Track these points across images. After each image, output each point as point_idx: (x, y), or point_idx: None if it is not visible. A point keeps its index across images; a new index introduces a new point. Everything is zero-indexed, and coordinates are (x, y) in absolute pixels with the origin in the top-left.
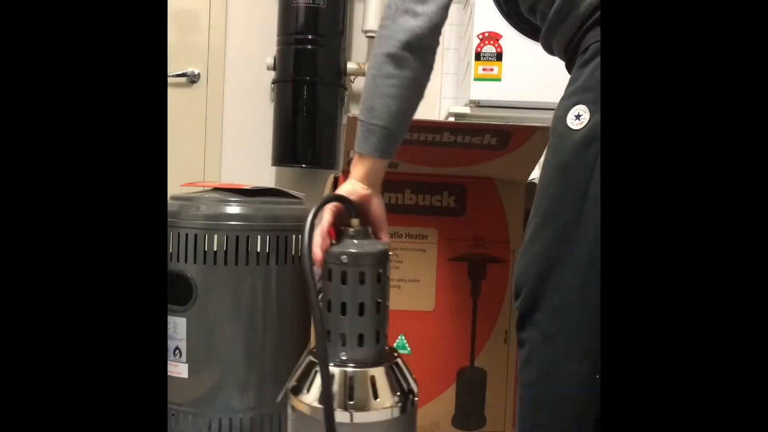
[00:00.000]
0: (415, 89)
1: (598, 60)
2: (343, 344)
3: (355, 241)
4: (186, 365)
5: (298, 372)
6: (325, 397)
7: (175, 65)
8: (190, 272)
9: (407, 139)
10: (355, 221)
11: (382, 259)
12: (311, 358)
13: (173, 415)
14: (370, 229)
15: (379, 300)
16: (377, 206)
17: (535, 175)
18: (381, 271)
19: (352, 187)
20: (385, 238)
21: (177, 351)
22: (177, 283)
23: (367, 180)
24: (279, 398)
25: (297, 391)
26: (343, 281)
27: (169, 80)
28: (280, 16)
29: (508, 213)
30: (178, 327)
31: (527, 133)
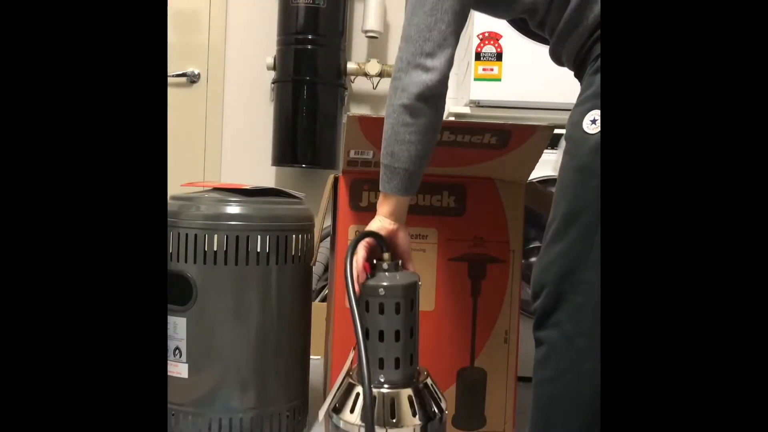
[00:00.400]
0: (431, 133)
1: None
2: (381, 368)
3: (388, 274)
4: (186, 365)
5: (339, 392)
6: (368, 416)
7: (175, 65)
8: (190, 272)
9: None
10: (386, 255)
11: (414, 289)
12: (350, 380)
13: (173, 415)
14: (400, 262)
15: (412, 326)
16: (403, 239)
17: (536, 174)
18: (413, 300)
19: (381, 223)
20: (411, 267)
21: (177, 351)
22: (177, 283)
23: (393, 216)
24: (321, 418)
25: (339, 410)
26: (381, 311)
27: (169, 80)
28: (280, 16)
29: (508, 213)
30: (178, 327)
31: (527, 132)
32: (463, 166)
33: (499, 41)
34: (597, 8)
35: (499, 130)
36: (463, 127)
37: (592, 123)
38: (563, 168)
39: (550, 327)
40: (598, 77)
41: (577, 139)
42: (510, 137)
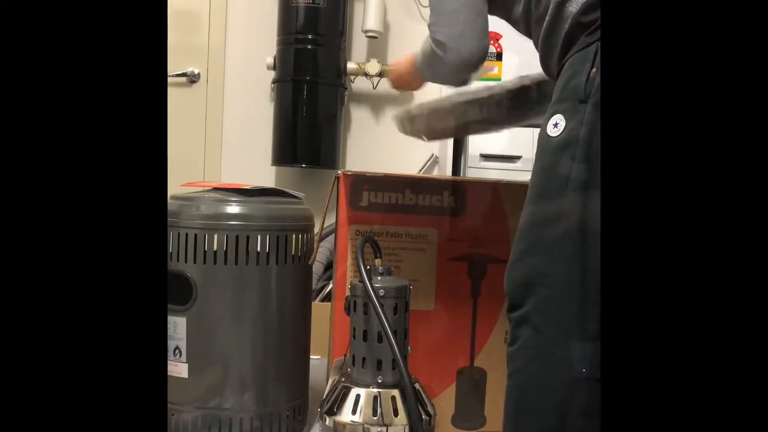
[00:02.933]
0: None
1: (568, 72)
2: (379, 369)
3: (385, 277)
4: (186, 365)
5: (333, 394)
6: (413, 413)
7: (175, 65)
8: (190, 272)
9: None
10: (378, 261)
11: (407, 291)
12: (344, 382)
13: (173, 414)
14: (392, 268)
15: (405, 328)
16: None
17: None
18: (407, 302)
19: None
20: None
21: (177, 351)
22: (177, 283)
23: None
24: (317, 421)
25: (334, 412)
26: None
27: (169, 80)
28: (280, 15)
29: (508, 212)
30: (178, 327)
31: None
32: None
33: (499, 41)
34: (571, 12)
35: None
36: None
37: (554, 127)
38: (532, 171)
39: (520, 321)
40: (560, 82)
41: (542, 142)
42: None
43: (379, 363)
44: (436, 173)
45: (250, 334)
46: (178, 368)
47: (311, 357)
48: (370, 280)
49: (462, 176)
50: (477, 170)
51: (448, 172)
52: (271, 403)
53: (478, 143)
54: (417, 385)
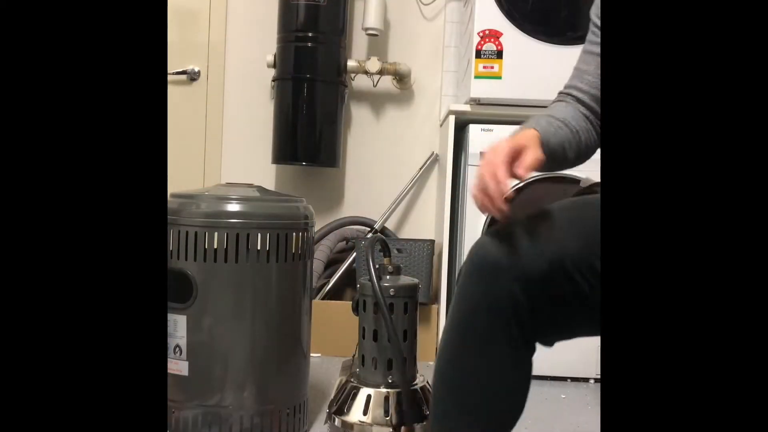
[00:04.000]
0: None
1: None
2: (389, 368)
3: (395, 276)
4: (186, 363)
5: (341, 395)
6: (406, 415)
7: (175, 63)
8: (191, 270)
9: None
10: (386, 260)
11: (417, 290)
12: (354, 383)
13: (173, 412)
14: (400, 266)
15: (415, 327)
16: None
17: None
18: (416, 301)
19: None
20: None
21: (177, 349)
22: (177, 281)
23: None
24: (325, 421)
25: (343, 412)
26: (390, 311)
27: (170, 78)
28: (280, 13)
29: None
30: (178, 325)
31: None
32: None
33: (500, 39)
34: None
35: None
36: None
37: None
38: None
39: None
40: None
41: None
42: None
43: (389, 363)
44: (436, 171)
45: (250, 331)
46: (178, 366)
47: (312, 355)
48: (379, 279)
49: (462, 175)
50: (477, 168)
51: (448, 171)
52: (271, 401)
53: (479, 141)
54: (426, 383)
